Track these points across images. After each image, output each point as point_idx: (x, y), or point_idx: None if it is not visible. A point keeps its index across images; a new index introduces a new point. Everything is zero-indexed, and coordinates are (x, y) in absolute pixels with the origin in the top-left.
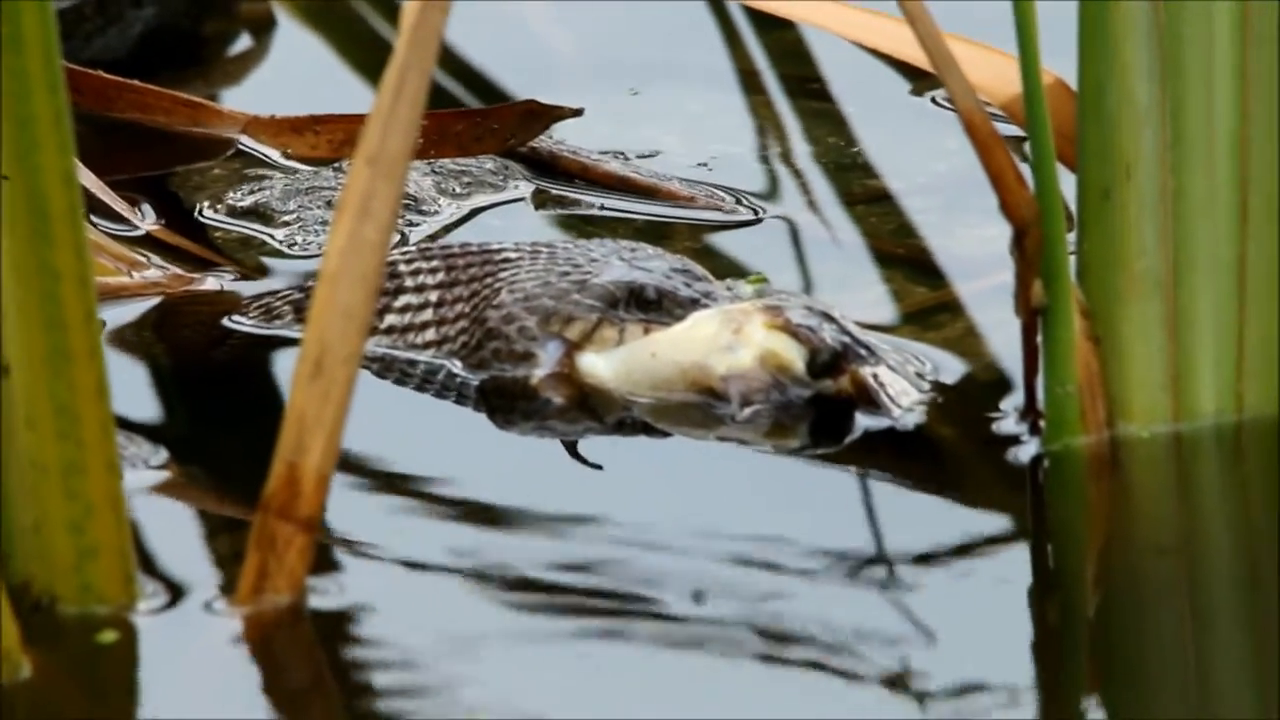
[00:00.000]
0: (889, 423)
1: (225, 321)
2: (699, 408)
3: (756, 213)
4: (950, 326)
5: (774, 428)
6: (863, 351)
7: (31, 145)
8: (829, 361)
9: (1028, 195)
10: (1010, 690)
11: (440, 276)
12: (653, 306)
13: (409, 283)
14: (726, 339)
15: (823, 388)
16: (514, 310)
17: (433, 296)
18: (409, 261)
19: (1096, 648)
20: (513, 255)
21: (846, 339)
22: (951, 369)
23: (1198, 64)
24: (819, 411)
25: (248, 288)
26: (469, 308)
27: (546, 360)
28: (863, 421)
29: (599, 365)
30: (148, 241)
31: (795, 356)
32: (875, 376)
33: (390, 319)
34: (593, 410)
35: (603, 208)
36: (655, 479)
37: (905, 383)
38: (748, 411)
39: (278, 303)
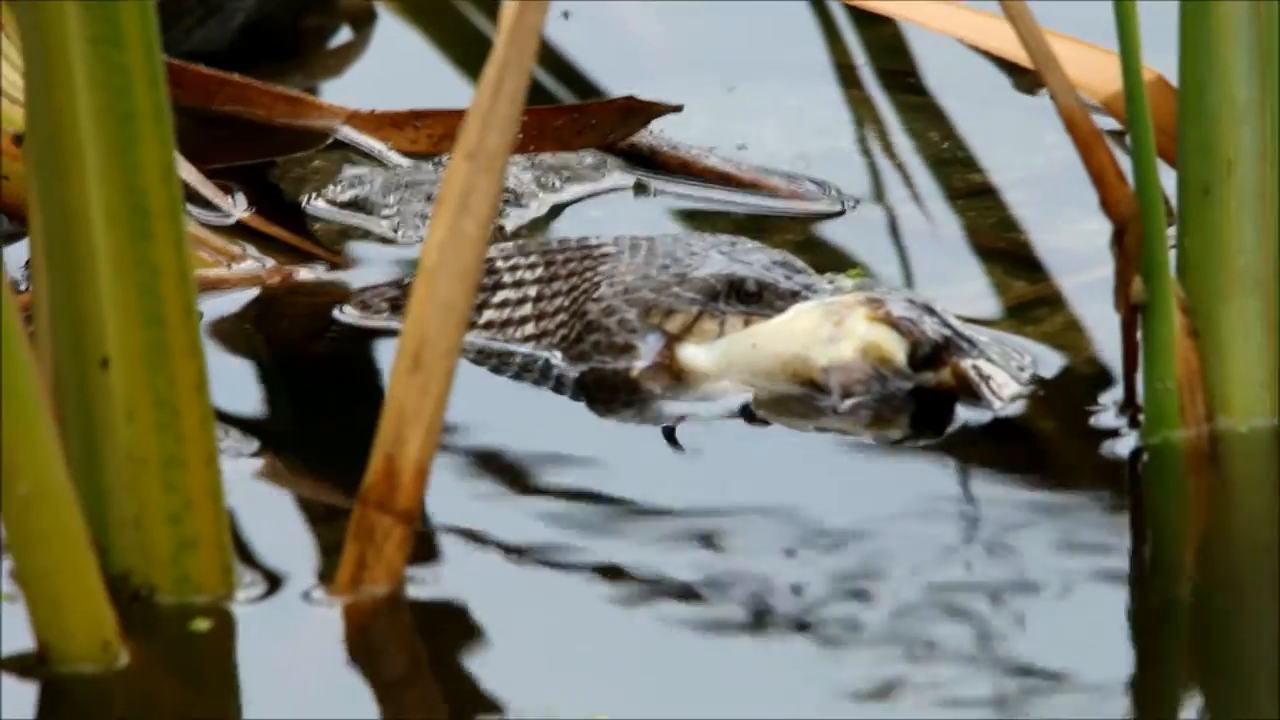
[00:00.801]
0: (989, 415)
1: (324, 314)
2: (800, 399)
3: (856, 206)
4: (1050, 321)
5: (874, 419)
6: (964, 344)
7: (132, 141)
8: (930, 354)
9: (1128, 191)
10: (1109, 685)
11: (539, 272)
12: (753, 299)
13: (507, 279)
14: (828, 331)
15: (923, 380)
16: (614, 303)
17: (531, 292)
18: (507, 258)
19: (1195, 643)
20: (611, 250)
21: (948, 331)
22: (1051, 363)
23: None
24: (920, 403)
25: (347, 279)
26: (568, 301)
27: (646, 352)
28: (963, 414)
29: (700, 356)
30: (242, 230)
31: (896, 348)
32: (976, 369)
33: (489, 314)
34: (693, 401)
35: (704, 201)
36: (755, 469)
37: (1006, 375)
38: (849, 403)
39: (375, 299)
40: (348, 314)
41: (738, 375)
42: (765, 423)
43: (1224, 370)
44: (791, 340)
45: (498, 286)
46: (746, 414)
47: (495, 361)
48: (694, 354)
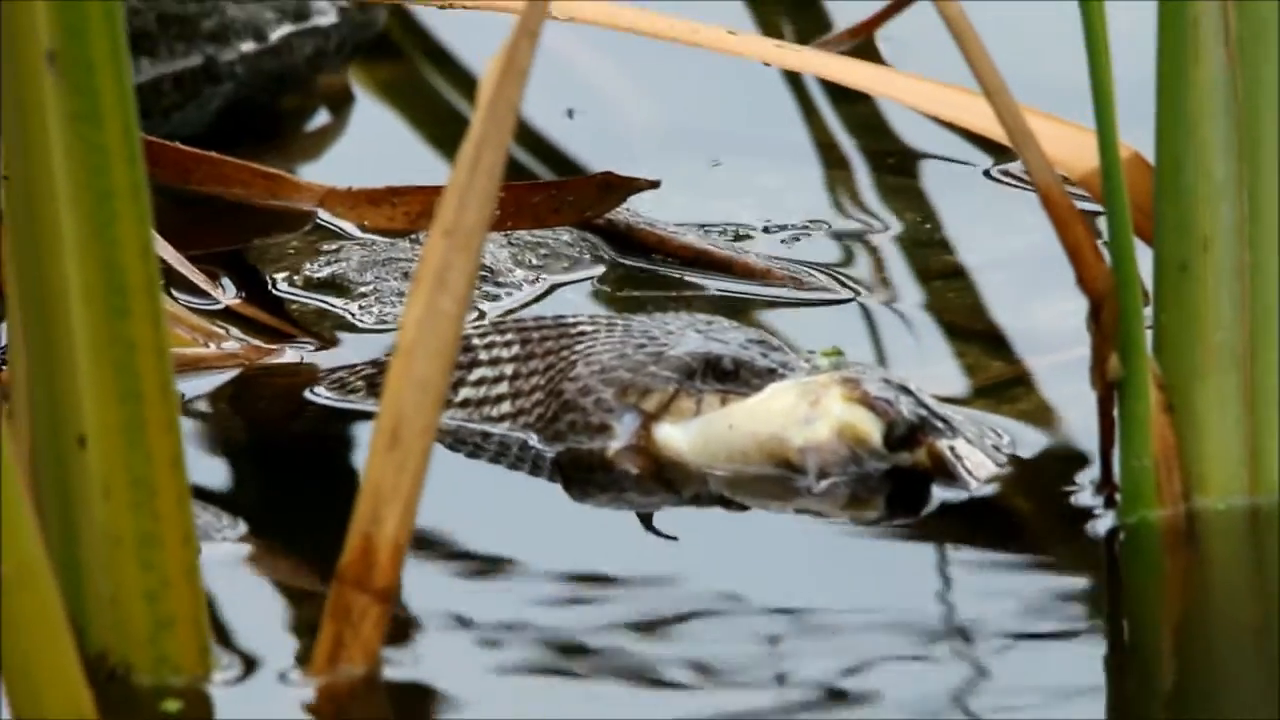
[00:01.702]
0: (965, 495)
1: (303, 394)
2: (775, 480)
3: (833, 287)
4: (1026, 400)
5: (850, 499)
6: (939, 424)
7: (110, 218)
8: (905, 434)
9: (1104, 268)
10: None
11: (515, 350)
12: (730, 377)
13: (483, 356)
14: (804, 411)
15: (899, 460)
16: (590, 382)
17: (508, 370)
18: (483, 335)
19: None
20: (588, 328)
21: (923, 411)
22: (1028, 442)
23: (1275, 138)
24: (896, 483)
25: (325, 359)
26: (544, 380)
27: (622, 432)
28: (939, 494)
29: (675, 436)
30: (227, 315)
31: (872, 429)
32: (952, 449)
33: (465, 392)
34: (669, 482)
35: (680, 282)
36: (732, 551)
37: (982, 455)
38: (825, 483)
39: (352, 378)
40: (321, 394)
41: (714, 456)
42: (742, 505)
43: (1201, 448)
44: (768, 421)
45: (474, 365)
46: (723, 497)
47: (471, 443)
48: (670, 434)
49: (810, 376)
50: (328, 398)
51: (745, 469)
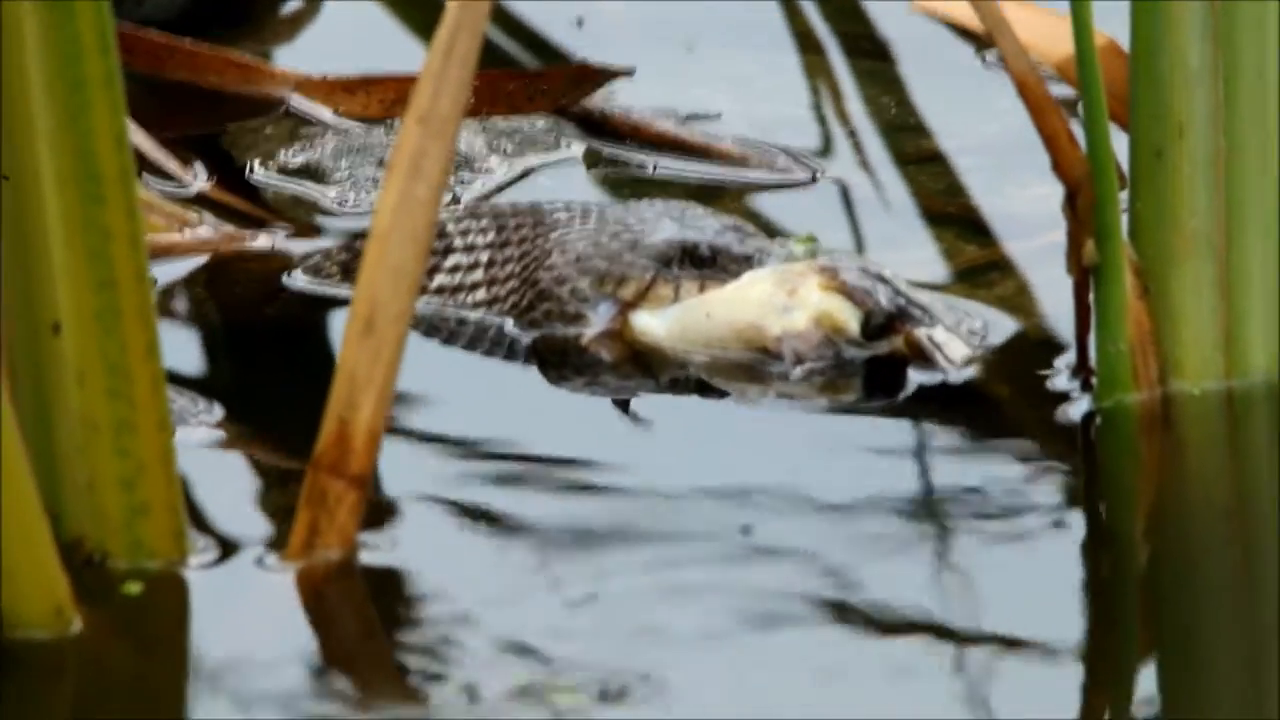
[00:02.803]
0: (941, 379)
1: (276, 280)
2: (752, 365)
3: (809, 172)
4: (1002, 285)
5: (827, 384)
6: (917, 312)
7: (83, 107)
8: (883, 323)
9: (1080, 155)
10: (1060, 647)
11: (490, 237)
12: (707, 264)
13: (458, 243)
14: (781, 300)
15: (877, 349)
16: (566, 271)
17: (483, 257)
18: (458, 221)
19: (1148, 605)
20: (563, 216)
21: (901, 300)
22: (1003, 327)
23: (1250, 24)
24: (872, 368)
25: (299, 246)
26: (519, 268)
27: (597, 320)
28: (915, 377)
29: (653, 324)
30: (200, 200)
31: (850, 318)
32: (930, 337)
33: (440, 279)
34: (644, 367)
35: (655, 168)
36: (706, 436)
37: (959, 341)
38: (800, 370)
39: (325, 262)
40: (297, 279)
41: (691, 344)
42: (719, 391)
43: (1176, 332)
44: (745, 309)
45: (449, 251)
46: (699, 382)
47: (446, 328)
48: (647, 322)
49: (787, 265)
50: (302, 282)
51: (722, 355)
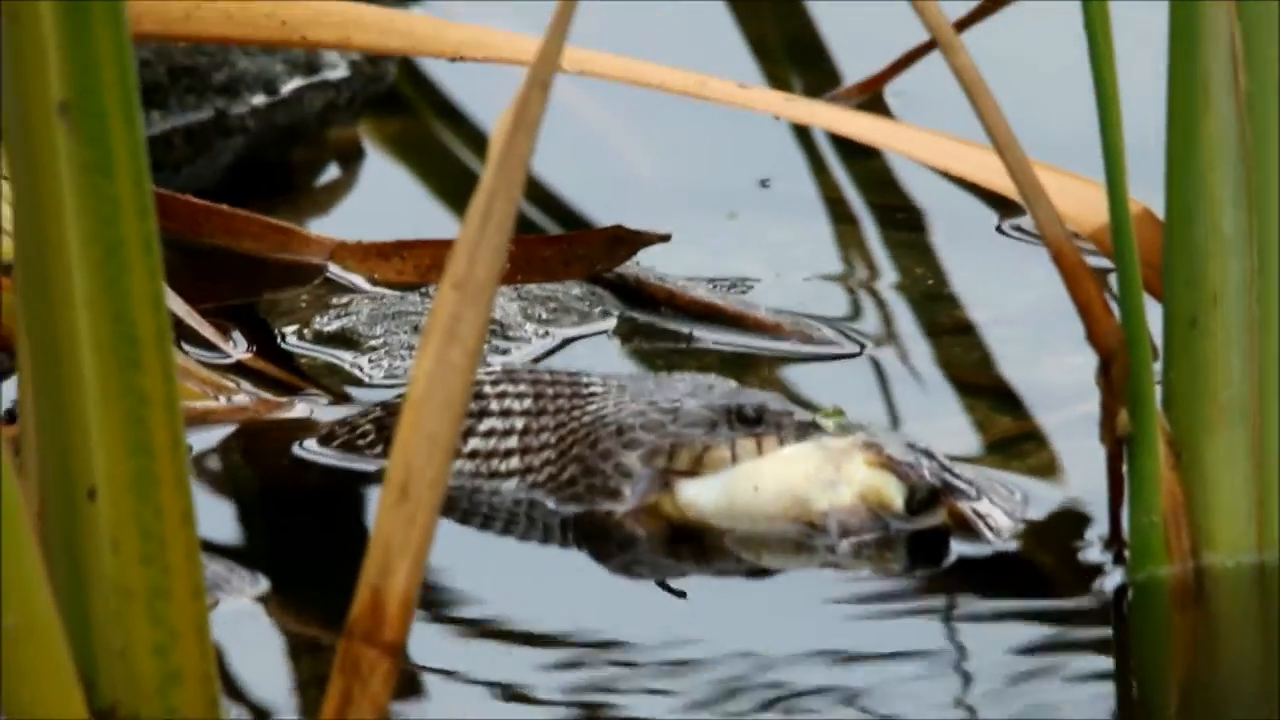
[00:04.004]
0: (982, 549)
1: (310, 445)
2: (794, 539)
3: (841, 342)
4: (1035, 455)
5: (871, 556)
6: (961, 485)
7: (121, 270)
8: (927, 498)
9: (1114, 324)
10: None
11: (528, 404)
12: (755, 423)
13: (494, 406)
14: (828, 474)
15: (922, 523)
16: (610, 446)
17: (519, 424)
18: (495, 384)
19: None
20: (599, 389)
21: (945, 475)
22: (1038, 498)
23: None
24: (915, 539)
25: (335, 413)
26: (555, 438)
27: (633, 495)
28: (956, 548)
29: (701, 495)
30: (237, 368)
31: (895, 493)
32: (974, 510)
33: (474, 442)
34: (685, 543)
35: (690, 337)
36: (752, 613)
37: (1002, 514)
38: (846, 543)
39: (363, 421)
40: (334, 445)
41: (737, 516)
42: (762, 566)
43: (1209, 504)
44: (792, 483)
45: (484, 414)
46: (739, 557)
47: (484, 504)
48: (695, 493)
49: (833, 440)
50: (336, 451)
51: (766, 529)
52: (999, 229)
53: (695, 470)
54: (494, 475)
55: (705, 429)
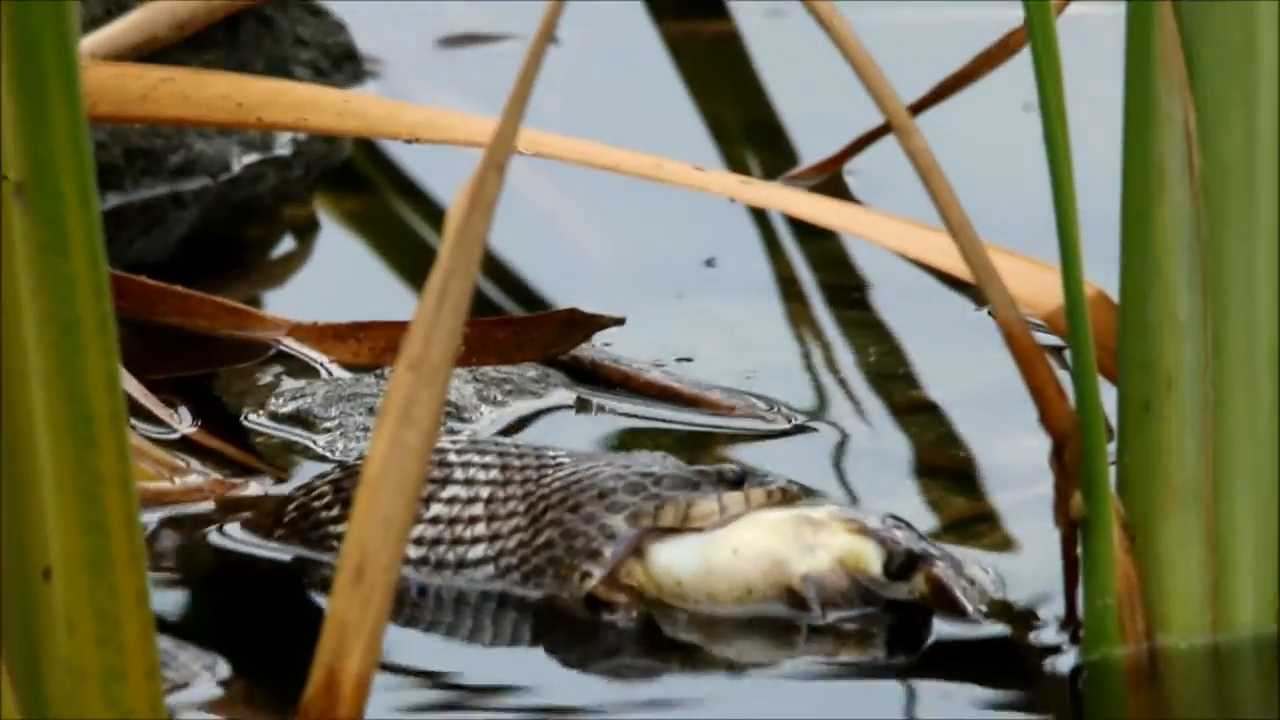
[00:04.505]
0: (967, 627)
1: (262, 528)
2: (777, 620)
3: (795, 421)
4: (990, 536)
5: (852, 638)
6: (935, 553)
7: (75, 349)
8: (905, 562)
9: (1068, 407)
10: None
11: (494, 474)
12: (737, 482)
13: (459, 474)
14: (807, 539)
15: (897, 591)
16: (593, 510)
17: (484, 492)
18: (460, 452)
19: None
20: (567, 460)
21: (923, 543)
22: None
23: (1239, 277)
24: (893, 620)
25: (287, 493)
26: (524, 506)
27: (610, 557)
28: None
29: (677, 560)
30: (186, 445)
31: (874, 558)
32: (949, 576)
33: (436, 508)
34: (659, 625)
35: (645, 416)
36: (727, 695)
37: (979, 586)
38: (824, 614)
39: (319, 483)
40: (286, 520)
41: (714, 585)
42: (727, 658)
43: (1164, 586)
44: (771, 546)
45: (448, 481)
46: (708, 642)
47: (441, 571)
48: (671, 555)
49: (810, 508)
50: (285, 524)
51: (740, 607)
52: (955, 309)
53: (680, 526)
54: (457, 542)
55: (688, 488)
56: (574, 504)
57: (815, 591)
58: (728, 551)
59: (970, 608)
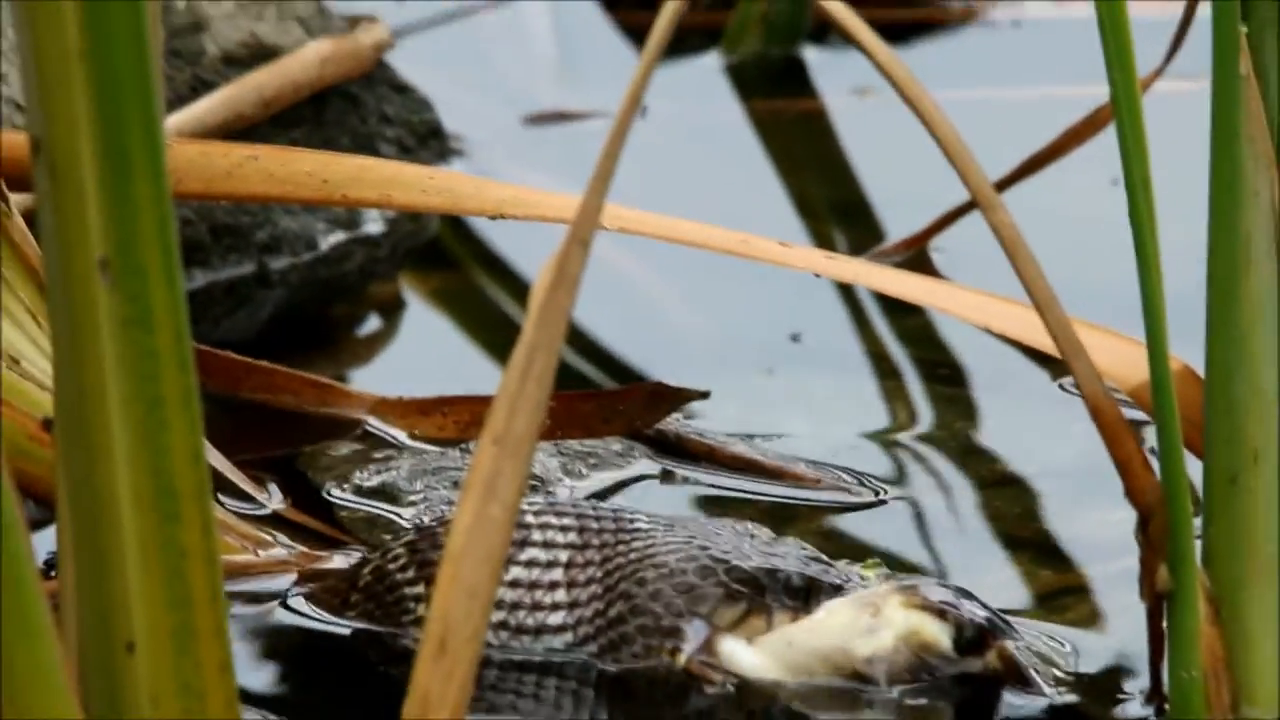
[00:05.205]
0: (1036, 702)
1: (349, 597)
2: (846, 691)
3: (880, 495)
4: (1076, 609)
5: (922, 710)
6: (1005, 626)
7: (160, 425)
8: (975, 636)
9: (1154, 480)
10: None
11: (572, 537)
12: (799, 595)
13: (537, 536)
14: (865, 622)
15: (969, 666)
16: (659, 586)
17: (562, 556)
18: (538, 515)
19: None
20: (645, 525)
21: (990, 616)
22: (1080, 650)
23: None
24: (964, 692)
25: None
26: (601, 573)
27: (693, 637)
28: (1005, 700)
29: (739, 653)
30: (275, 520)
31: (939, 633)
32: (1022, 651)
33: (515, 571)
34: (731, 699)
35: (729, 490)
36: None
37: (1050, 659)
38: (897, 690)
39: (396, 546)
40: (361, 586)
41: (778, 673)
42: (812, 717)
43: (1249, 659)
44: (829, 636)
45: (526, 544)
46: (791, 708)
47: (523, 641)
48: (734, 650)
49: (866, 589)
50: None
51: (814, 682)
52: (1043, 385)
53: (735, 629)
54: (536, 608)
55: (752, 591)
56: (641, 578)
57: (882, 671)
58: (783, 644)
59: (1046, 686)
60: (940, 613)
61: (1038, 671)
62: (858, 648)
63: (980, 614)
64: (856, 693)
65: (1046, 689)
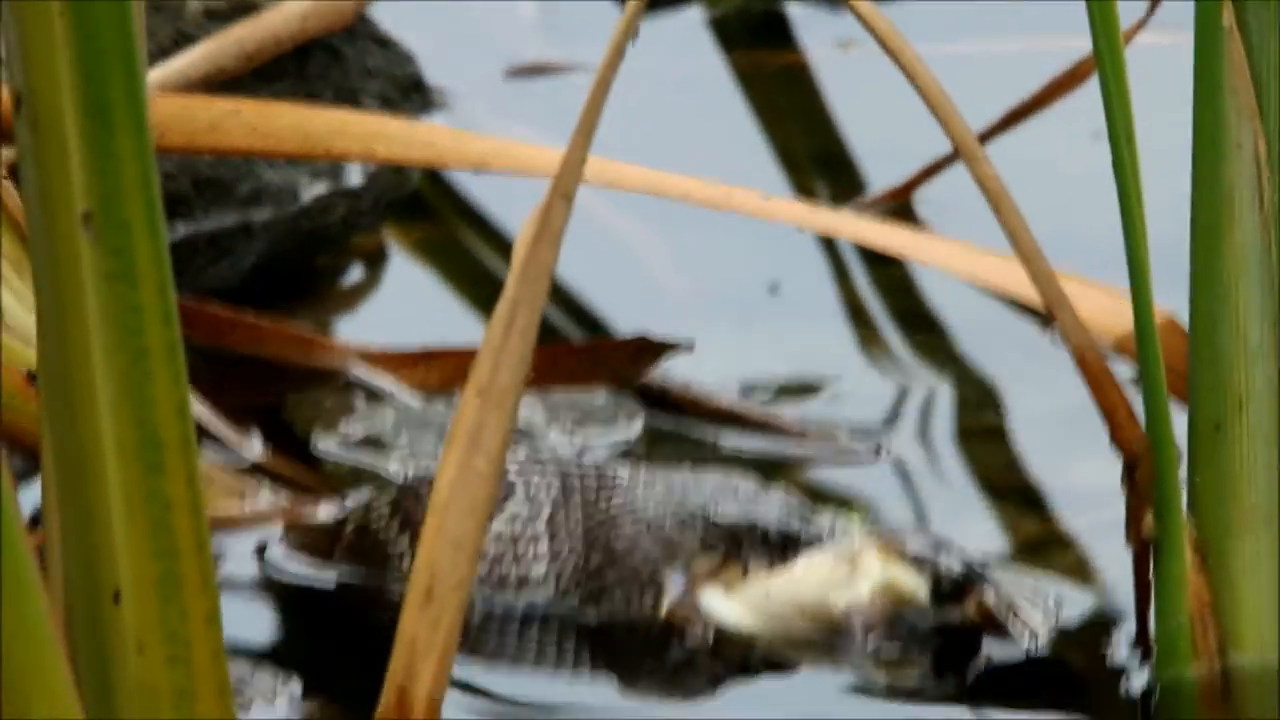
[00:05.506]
0: (1014, 652)
1: (334, 547)
2: (823, 642)
3: (865, 447)
4: (1061, 558)
5: (898, 659)
6: (983, 576)
7: (144, 377)
8: (951, 588)
9: (1138, 428)
10: None
11: (554, 493)
12: (777, 546)
13: (520, 491)
14: (842, 574)
15: (946, 616)
16: (637, 538)
17: (545, 510)
18: (520, 471)
19: None
20: (625, 481)
21: (971, 567)
22: (1065, 600)
23: None
24: (943, 641)
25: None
26: (582, 529)
27: (674, 589)
28: (984, 649)
29: (717, 603)
30: (258, 470)
31: (915, 584)
32: (1001, 601)
33: (497, 526)
34: (711, 648)
35: (715, 443)
36: (772, 712)
37: (1032, 609)
38: (874, 643)
39: (378, 501)
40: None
41: (756, 623)
42: (789, 666)
43: (1235, 604)
44: (807, 588)
45: (508, 498)
46: (766, 660)
47: (507, 595)
48: (712, 601)
49: (844, 541)
50: (344, 548)
51: (792, 631)
52: (1027, 336)
53: (711, 580)
54: (519, 560)
55: (728, 543)
56: (620, 532)
57: (859, 623)
58: (761, 595)
59: (1025, 634)
60: (917, 564)
61: (1018, 620)
62: (835, 599)
63: (958, 565)
64: (834, 643)
65: (1026, 639)
